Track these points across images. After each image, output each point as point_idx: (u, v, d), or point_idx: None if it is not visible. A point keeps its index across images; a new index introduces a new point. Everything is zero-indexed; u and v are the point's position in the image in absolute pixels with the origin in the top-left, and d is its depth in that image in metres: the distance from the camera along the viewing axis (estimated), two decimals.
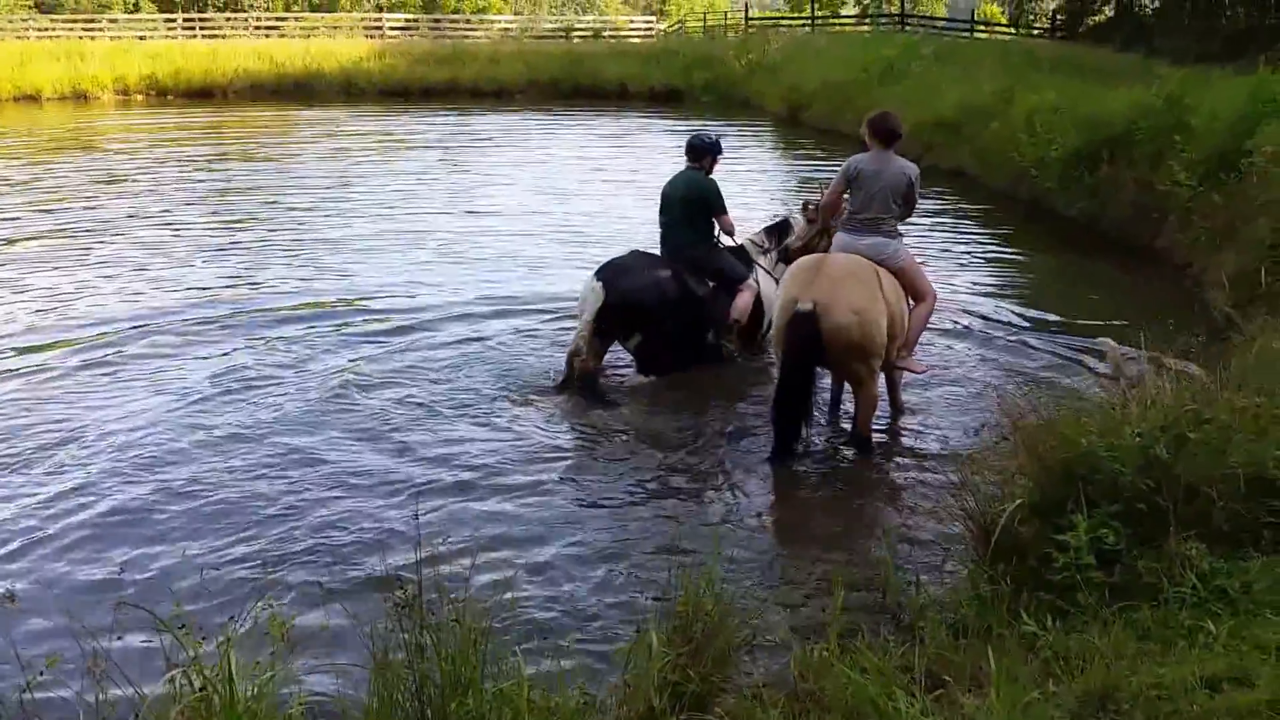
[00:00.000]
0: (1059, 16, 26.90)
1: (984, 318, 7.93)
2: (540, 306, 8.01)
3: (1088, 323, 7.56)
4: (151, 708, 2.73)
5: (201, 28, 33.84)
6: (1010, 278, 9.51)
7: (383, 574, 3.86)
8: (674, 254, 6.67)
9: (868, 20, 36.02)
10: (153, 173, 14.87)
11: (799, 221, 7.04)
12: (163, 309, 8.04)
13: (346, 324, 7.66)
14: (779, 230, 7.11)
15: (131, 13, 40.89)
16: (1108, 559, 3.29)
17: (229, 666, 2.65)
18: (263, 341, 7.21)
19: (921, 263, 6.15)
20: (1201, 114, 10.01)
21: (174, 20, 35.36)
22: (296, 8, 43.95)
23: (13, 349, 7.08)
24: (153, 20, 36.25)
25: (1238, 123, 9.35)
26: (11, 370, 6.67)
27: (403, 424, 5.80)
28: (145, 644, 3.46)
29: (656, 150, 17.30)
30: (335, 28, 34.96)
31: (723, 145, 6.96)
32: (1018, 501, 3.58)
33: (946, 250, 10.39)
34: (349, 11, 43.17)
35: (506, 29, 36.76)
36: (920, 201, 5.97)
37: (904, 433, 5.83)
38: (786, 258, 6.62)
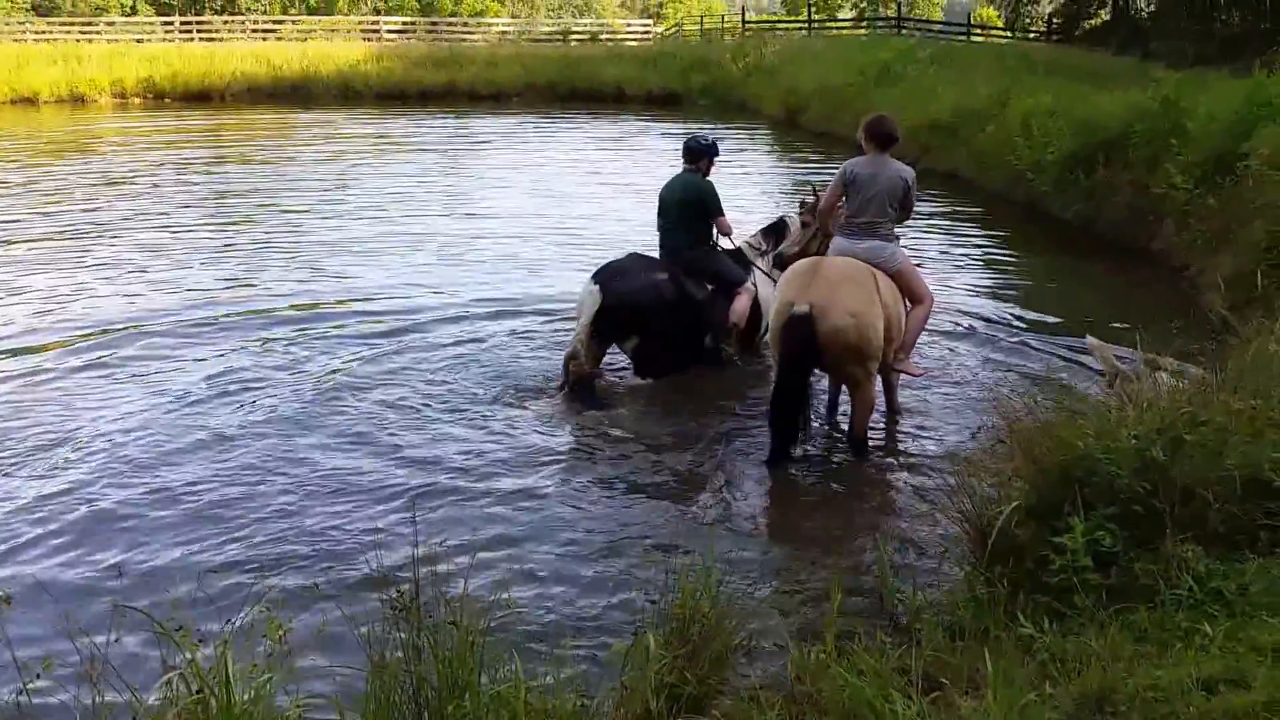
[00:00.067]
0: (1055, 20, 26.99)
1: (980, 320, 7.94)
2: (537, 308, 8.01)
3: (1085, 324, 7.56)
4: (148, 711, 2.73)
5: (199, 30, 33.82)
6: (1006, 280, 9.53)
7: (379, 576, 3.85)
8: (672, 257, 6.67)
9: (864, 24, 36.13)
10: (150, 175, 14.86)
11: (794, 220, 7.03)
12: (160, 310, 8.03)
13: (343, 326, 7.66)
14: (775, 231, 7.11)
15: (129, 15, 40.91)
16: (1104, 561, 3.30)
17: (226, 669, 2.64)
18: (259, 343, 7.20)
19: (918, 265, 6.15)
20: (1198, 117, 10.02)
21: (171, 23, 35.41)
22: (294, 11, 44.04)
23: (9, 350, 7.08)
24: (150, 23, 36.31)
25: (1234, 125, 9.37)
26: (8, 372, 6.66)
27: (399, 426, 5.79)
28: (141, 647, 3.45)
29: (653, 153, 17.31)
30: (332, 31, 34.96)
31: (719, 147, 6.97)
32: (1014, 504, 3.58)
33: (944, 253, 10.41)
34: (346, 14, 43.25)
35: (504, 32, 36.81)
36: (916, 204, 5.98)
37: (901, 435, 5.83)
38: (781, 264, 6.51)
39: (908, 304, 5.70)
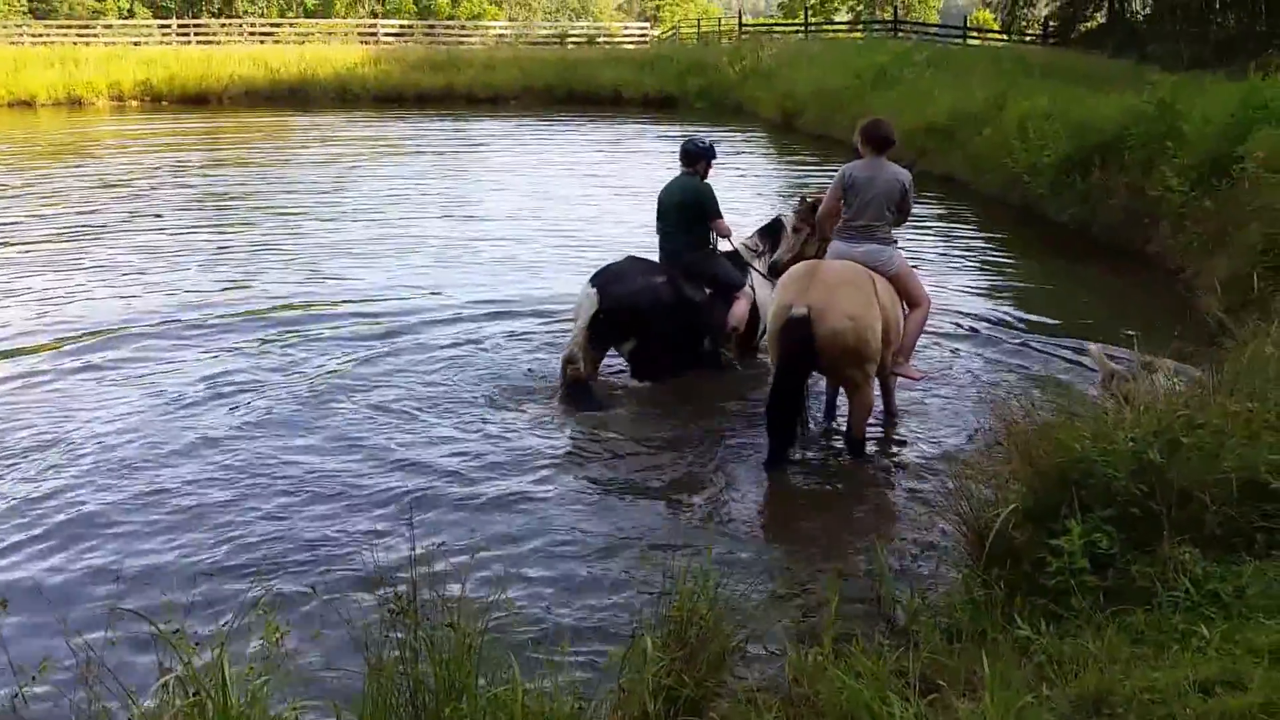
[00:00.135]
0: (1051, 23, 26.99)
1: (977, 322, 7.95)
2: (534, 310, 8.01)
3: (1082, 326, 7.58)
4: (145, 714, 2.72)
5: (196, 33, 33.83)
6: (1002, 283, 9.54)
7: (376, 578, 3.85)
8: (672, 260, 6.67)
9: (861, 27, 36.16)
10: (146, 178, 14.85)
11: (790, 219, 6.99)
12: (156, 312, 8.02)
13: (339, 328, 7.66)
14: (771, 231, 7.10)
15: (126, 18, 40.88)
16: (1101, 563, 3.30)
17: (223, 672, 2.64)
18: (255, 345, 7.20)
19: (915, 268, 6.16)
20: (1193, 120, 10.04)
21: (169, 26, 35.40)
22: (291, 14, 44.04)
23: (4, 352, 7.06)
24: (147, 26, 36.28)
25: (1229, 128, 9.39)
26: (3, 374, 6.64)
27: (396, 428, 5.79)
28: (138, 650, 3.44)
29: (650, 155, 17.32)
30: (330, 34, 34.97)
31: (717, 150, 6.97)
32: (1012, 506, 3.59)
33: (941, 255, 10.41)
34: (344, 17, 43.22)
35: (501, 35, 36.83)
36: (913, 207, 5.99)
37: (898, 437, 5.84)
38: (775, 272, 6.37)
39: (906, 307, 5.70)
